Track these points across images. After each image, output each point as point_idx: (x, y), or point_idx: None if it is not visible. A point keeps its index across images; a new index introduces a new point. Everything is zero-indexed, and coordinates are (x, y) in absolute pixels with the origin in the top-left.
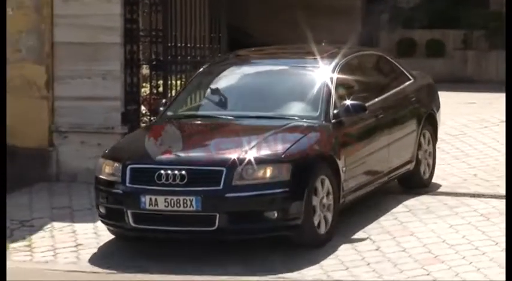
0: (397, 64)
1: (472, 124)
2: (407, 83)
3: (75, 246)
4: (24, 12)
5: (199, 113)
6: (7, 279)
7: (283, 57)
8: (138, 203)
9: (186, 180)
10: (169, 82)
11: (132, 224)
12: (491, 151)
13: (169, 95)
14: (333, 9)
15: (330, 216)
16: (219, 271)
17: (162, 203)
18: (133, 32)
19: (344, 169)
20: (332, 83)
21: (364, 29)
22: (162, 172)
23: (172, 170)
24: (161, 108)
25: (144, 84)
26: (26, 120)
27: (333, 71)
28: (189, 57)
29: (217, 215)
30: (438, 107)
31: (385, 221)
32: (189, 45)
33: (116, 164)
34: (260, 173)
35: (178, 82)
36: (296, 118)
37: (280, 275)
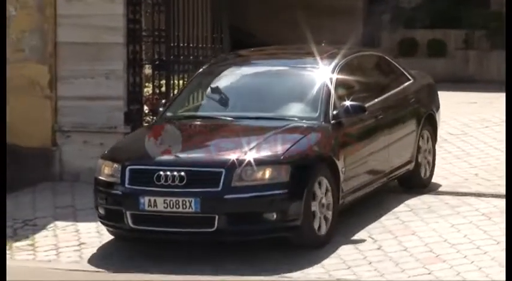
0: (396, 64)
1: (473, 124)
2: (406, 83)
3: (78, 245)
4: (28, 12)
5: (199, 113)
6: (11, 278)
7: (282, 58)
8: (137, 204)
9: (185, 181)
10: (171, 82)
11: (131, 225)
12: (492, 150)
13: (171, 94)
14: (335, 9)
15: (329, 217)
16: (220, 271)
17: (161, 204)
18: (136, 32)
19: (343, 169)
20: (332, 83)
21: (366, 29)
22: (161, 173)
23: (171, 171)
24: (160, 109)
25: (146, 84)
26: (29, 120)
27: (333, 72)
28: (191, 57)
29: (216, 217)
30: (438, 107)
31: (387, 220)
32: (191, 45)
33: (115, 165)
34: (259, 175)
35: (181, 82)
36: (295, 119)
37: (283, 274)
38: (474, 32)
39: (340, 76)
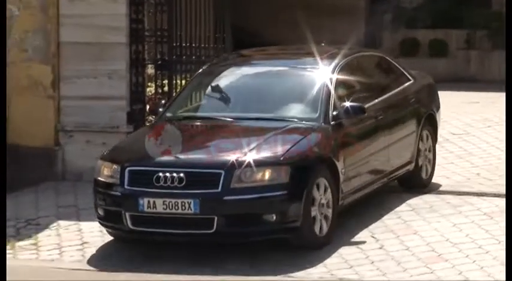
0: (397, 65)
1: (475, 123)
2: (407, 83)
3: (81, 244)
4: (31, 12)
5: (198, 114)
6: (15, 278)
7: (282, 58)
8: (136, 206)
9: (184, 182)
10: (174, 82)
11: (130, 226)
12: (494, 150)
13: (174, 94)
14: (336, 8)
15: (329, 218)
16: (220, 271)
17: (160, 205)
18: (139, 32)
19: (343, 170)
20: (331, 84)
21: (367, 29)
22: (161, 174)
23: (170, 172)
24: (160, 109)
25: (149, 83)
26: (32, 120)
27: (333, 72)
28: (194, 57)
29: (216, 218)
30: (438, 107)
31: (389, 220)
32: (194, 45)
33: (115, 166)
34: (259, 176)
35: (183, 82)
36: (295, 120)
37: (286, 274)
38: (476, 32)
39: (340, 76)
